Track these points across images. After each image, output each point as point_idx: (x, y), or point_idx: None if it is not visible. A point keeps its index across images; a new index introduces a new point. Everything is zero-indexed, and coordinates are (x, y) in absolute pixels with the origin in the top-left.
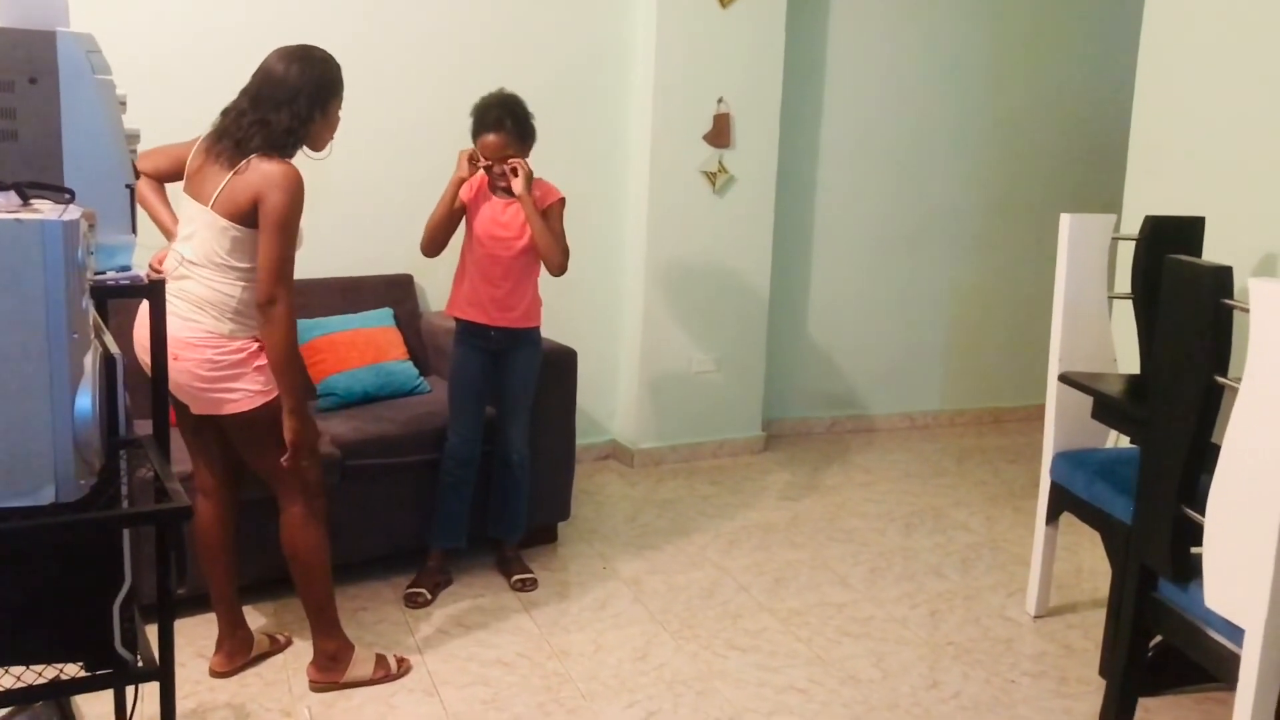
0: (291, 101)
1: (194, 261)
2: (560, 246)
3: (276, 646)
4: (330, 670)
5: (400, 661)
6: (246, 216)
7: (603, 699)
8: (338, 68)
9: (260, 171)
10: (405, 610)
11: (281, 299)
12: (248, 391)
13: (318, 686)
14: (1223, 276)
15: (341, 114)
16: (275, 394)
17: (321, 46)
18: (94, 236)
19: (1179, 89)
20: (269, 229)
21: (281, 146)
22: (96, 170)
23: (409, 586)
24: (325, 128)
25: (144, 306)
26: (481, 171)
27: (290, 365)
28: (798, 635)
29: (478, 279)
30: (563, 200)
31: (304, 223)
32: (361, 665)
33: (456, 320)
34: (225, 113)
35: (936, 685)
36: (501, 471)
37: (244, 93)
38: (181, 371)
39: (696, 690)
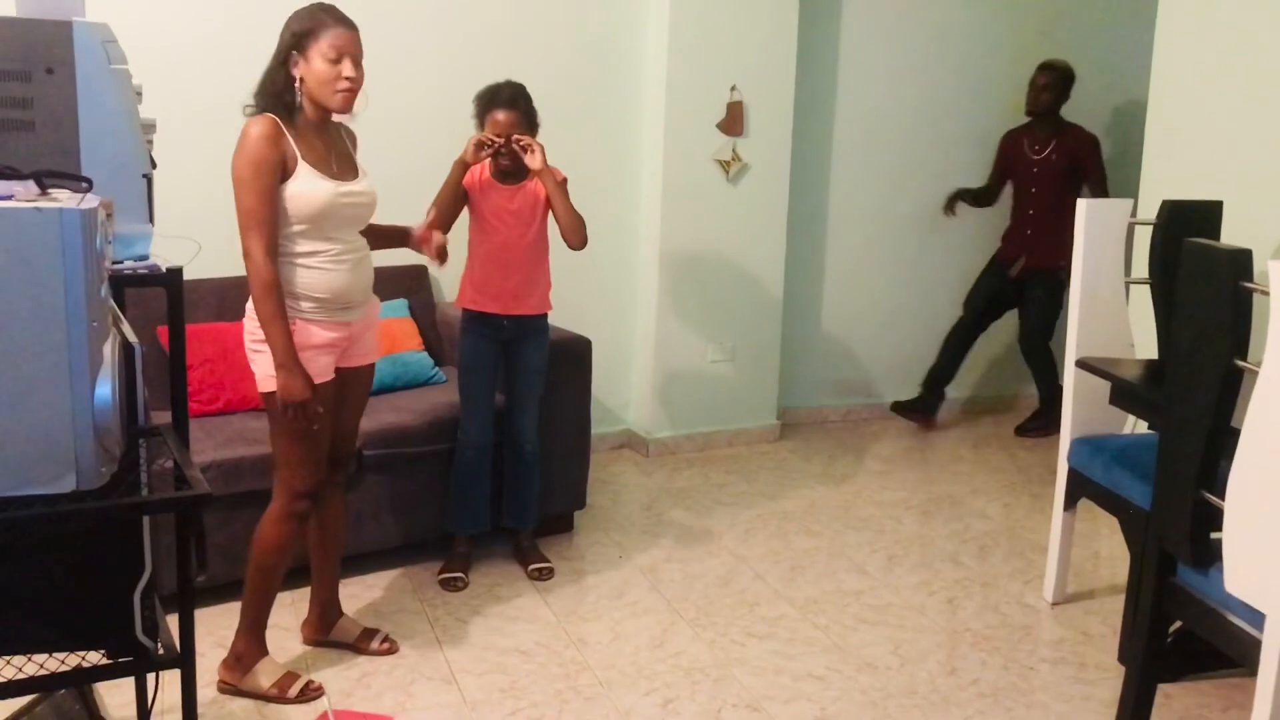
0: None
1: None
2: (580, 219)
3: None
4: (233, 670)
5: (306, 688)
6: None
7: (620, 687)
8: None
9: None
10: (422, 599)
11: (251, 252)
12: (266, 374)
13: (221, 686)
14: (1242, 260)
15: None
16: None
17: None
18: (111, 226)
19: (1196, 72)
20: (234, 184)
21: (256, 96)
22: (113, 159)
23: (442, 572)
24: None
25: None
26: (485, 161)
27: (269, 318)
28: (815, 623)
29: (492, 270)
30: (564, 181)
31: None
32: (263, 676)
33: (465, 310)
34: None
35: (955, 672)
36: (514, 462)
37: None
38: None
39: (714, 678)
